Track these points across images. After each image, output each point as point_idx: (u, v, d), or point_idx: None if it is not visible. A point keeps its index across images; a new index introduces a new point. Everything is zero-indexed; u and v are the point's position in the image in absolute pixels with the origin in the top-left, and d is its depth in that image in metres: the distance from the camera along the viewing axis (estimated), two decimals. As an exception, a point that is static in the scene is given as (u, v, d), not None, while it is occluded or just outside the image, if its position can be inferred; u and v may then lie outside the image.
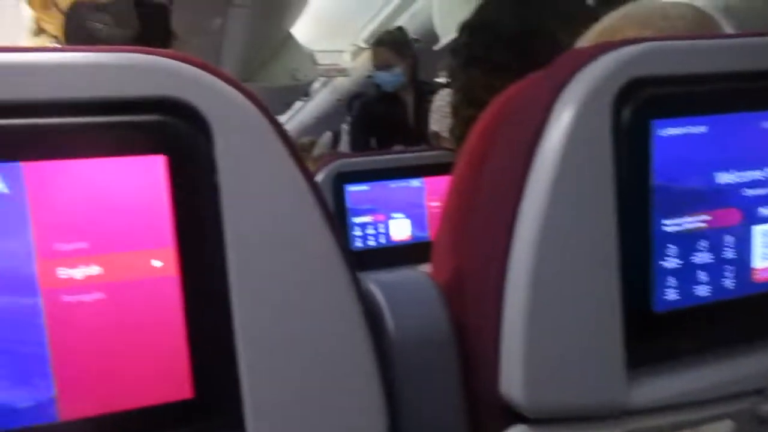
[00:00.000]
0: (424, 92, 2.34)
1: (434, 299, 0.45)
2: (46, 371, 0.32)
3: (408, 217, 1.29)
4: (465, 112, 1.08)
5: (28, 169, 0.31)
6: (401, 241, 1.29)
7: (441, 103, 2.02)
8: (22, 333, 0.32)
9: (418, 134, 2.27)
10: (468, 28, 0.98)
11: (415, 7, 4.26)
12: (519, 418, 0.41)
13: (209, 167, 0.33)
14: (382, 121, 2.40)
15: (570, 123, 0.39)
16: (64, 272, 0.32)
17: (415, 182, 1.29)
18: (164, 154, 0.32)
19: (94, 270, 0.32)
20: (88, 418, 0.33)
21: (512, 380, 0.40)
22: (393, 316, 0.43)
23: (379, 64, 2.34)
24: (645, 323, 0.41)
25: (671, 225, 0.41)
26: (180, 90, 0.33)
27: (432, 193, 1.30)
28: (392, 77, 2.33)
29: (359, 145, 2.46)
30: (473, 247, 0.46)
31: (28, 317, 0.32)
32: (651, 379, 0.42)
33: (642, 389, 0.42)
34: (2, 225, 0.31)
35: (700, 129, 0.41)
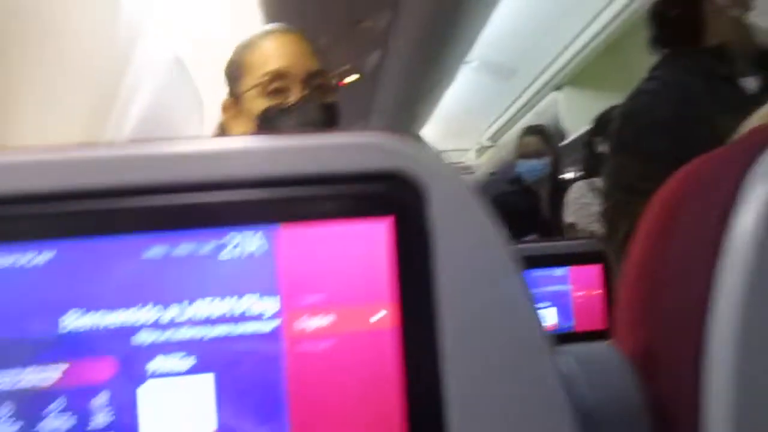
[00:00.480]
0: (559, 186, 2.36)
1: (624, 372, 0.45)
2: (284, 415, 0.36)
3: (554, 305, 1.27)
4: (616, 196, 1.08)
5: (282, 231, 0.36)
6: (547, 330, 1.26)
7: (577, 195, 2.02)
8: (268, 375, 0.36)
9: (553, 226, 2.26)
10: (621, 116, 1.00)
11: (539, 107, 4.36)
12: None
13: (426, 229, 0.37)
14: (516, 213, 2.42)
15: (765, 199, 0.39)
16: (302, 323, 0.36)
17: (558, 271, 1.28)
18: (391, 215, 0.37)
19: (327, 320, 0.37)
20: (316, 461, 0.36)
21: None
22: (586, 388, 0.43)
23: (528, 153, 2.40)
24: None
25: None
26: (402, 162, 0.38)
27: (576, 282, 1.27)
28: (539, 166, 2.37)
29: None
30: (662, 320, 0.46)
31: (274, 361, 0.36)
32: None
33: None
34: (257, 279, 0.36)
35: None
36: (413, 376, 0.37)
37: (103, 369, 0.35)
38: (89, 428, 0.34)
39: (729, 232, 0.40)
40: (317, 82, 1.13)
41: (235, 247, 0.36)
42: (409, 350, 0.37)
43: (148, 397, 0.35)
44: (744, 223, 0.39)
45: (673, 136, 0.95)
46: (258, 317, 0.36)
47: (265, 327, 0.36)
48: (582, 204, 2.00)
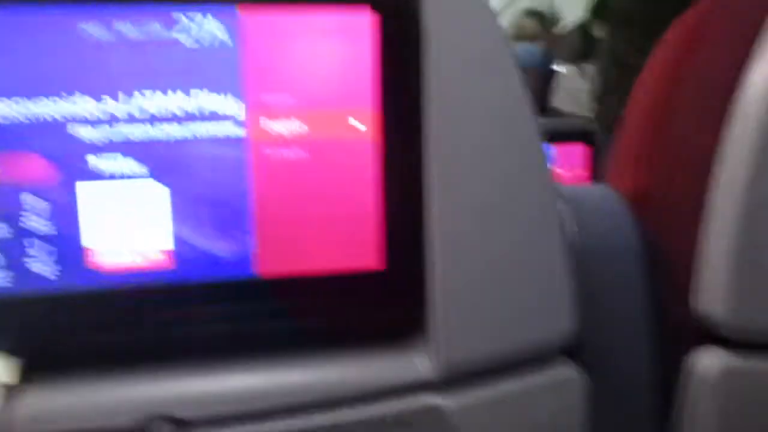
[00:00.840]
0: (548, 74, 2.28)
1: (620, 212, 0.42)
2: (248, 226, 0.32)
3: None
4: (610, 72, 1.03)
5: (244, 14, 0.31)
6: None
7: (566, 81, 1.95)
8: (231, 184, 0.32)
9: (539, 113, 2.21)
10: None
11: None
12: (712, 339, 0.37)
13: (416, 28, 0.32)
14: None
15: None
16: (270, 125, 0.32)
17: (543, 149, 1.24)
18: (374, 9, 0.31)
19: (297, 125, 0.32)
20: (284, 277, 0.33)
21: (713, 297, 0.36)
22: (579, 228, 0.40)
23: (525, 36, 2.27)
24: None
25: None
26: None
27: (562, 160, 1.24)
28: (534, 50, 2.25)
29: None
30: (668, 161, 0.42)
31: (237, 168, 0.32)
32: None
33: None
34: (217, 71, 0.31)
35: None
36: (393, 195, 0.33)
37: (31, 166, 0.30)
38: (24, 228, 0.30)
39: (745, 80, 0.36)
40: None
41: (191, 32, 0.31)
42: (388, 165, 0.32)
43: (88, 201, 0.31)
44: (761, 70, 0.35)
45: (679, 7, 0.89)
46: (219, 117, 0.31)
47: (228, 129, 0.31)
48: (569, 91, 1.93)
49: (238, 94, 0.31)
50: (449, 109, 0.33)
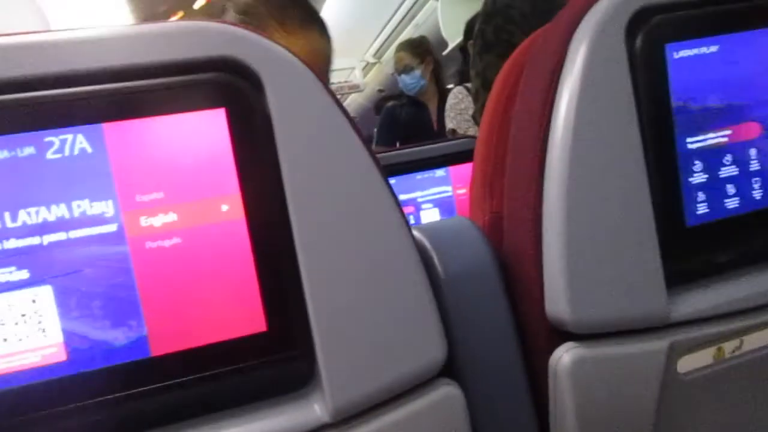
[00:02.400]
0: (443, 95, 2.39)
1: (476, 238, 0.48)
2: (138, 313, 0.36)
3: (436, 206, 1.32)
4: (483, 97, 1.11)
5: (108, 129, 0.35)
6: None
7: (454, 101, 2.06)
8: (115, 278, 0.35)
9: (441, 136, 2.31)
10: (482, 15, 1.02)
11: (418, 18, 4.33)
12: (567, 337, 0.44)
13: (264, 117, 0.37)
14: (407, 125, 2.44)
15: (587, 54, 0.41)
16: (145, 221, 0.35)
17: (440, 172, 1.32)
18: (223, 106, 0.36)
19: (171, 217, 0.36)
20: (177, 352, 0.36)
21: (557, 300, 0.43)
22: (440, 258, 0.46)
23: (400, 68, 2.39)
24: (680, 237, 0.44)
25: (694, 142, 0.44)
26: (232, 49, 0.36)
27: (458, 180, 1.32)
28: (412, 80, 2.37)
29: (386, 145, 2.51)
30: (507, 186, 0.49)
31: (119, 264, 0.35)
32: (690, 292, 0.45)
33: (682, 301, 0.44)
34: (90, 181, 0.35)
35: (713, 48, 0.43)
36: (265, 263, 0.37)
37: None
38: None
39: (558, 90, 0.43)
40: None
41: (59, 149, 0.34)
42: (257, 238, 0.37)
43: (-15, 315, 0.33)
44: (570, 79, 0.42)
45: (529, 29, 0.98)
46: (95, 221, 0.35)
47: (104, 230, 0.35)
48: (460, 110, 2.04)
49: (113, 197, 0.35)
50: (302, 181, 0.37)
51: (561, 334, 0.44)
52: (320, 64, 0.96)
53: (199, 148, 0.36)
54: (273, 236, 0.37)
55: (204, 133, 0.36)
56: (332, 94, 0.39)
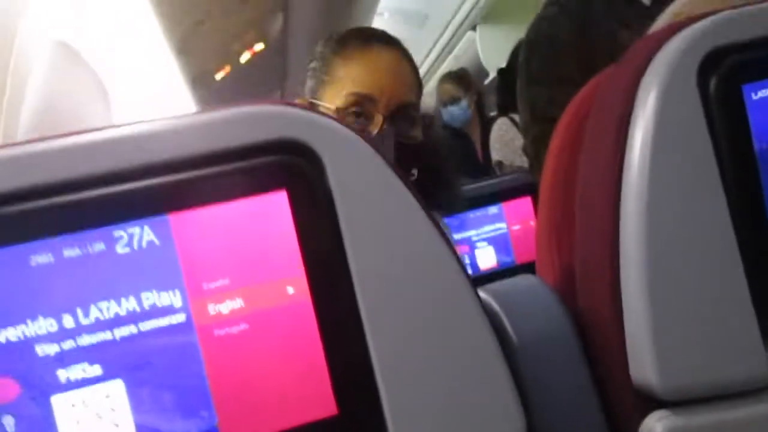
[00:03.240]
0: (487, 126, 2.38)
1: (548, 299, 0.46)
2: (208, 403, 0.35)
3: (491, 244, 1.29)
4: (533, 129, 1.09)
5: (174, 220, 0.35)
6: (488, 269, 1.29)
7: (500, 132, 2.04)
8: (185, 369, 0.35)
9: (486, 167, 2.29)
10: (526, 44, 1.00)
11: (458, 49, 4.34)
12: (656, 404, 0.41)
13: (325, 196, 0.36)
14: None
15: (658, 98, 0.39)
16: (213, 308, 0.35)
17: (493, 209, 1.30)
18: (285, 188, 0.35)
19: (238, 303, 0.35)
20: (249, 442, 0.35)
21: (643, 365, 0.40)
22: (511, 323, 0.44)
23: (446, 100, 2.39)
24: None
25: (782, 188, 0.41)
26: (291, 130, 0.36)
27: (512, 216, 1.30)
28: (459, 111, 2.36)
29: None
30: (578, 240, 0.47)
31: (189, 353, 0.35)
32: None
33: (782, 360, 0.40)
34: (158, 272, 0.34)
35: (792, 87, 0.40)
36: (333, 345, 0.36)
37: (2, 390, 0.33)
38: None
39: (628, 142, 0.41)
40: (403, 114, 0.97)
41: (127, 243, 0.34)
42: (324, 319, 0.36)
43: (62, 412, 0.33)
44: (640, 129, 0.40)
45: (577, 58, 0.96)
46: (164, 311, 0.35)
47: (173, 320, 0.35)
48: (505, 141, 2.02)
49: (181, 287, 0.35)
50: (367, 258, 0.36)
51: (649, 401, 0.41)
52: (392, 82, 0.94)
53: (262, 231, 0.36)
54: (340, 316, 0.36)
55: (266, 216, 0.36)
56: (391, 164, 0.38)
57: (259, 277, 0.35)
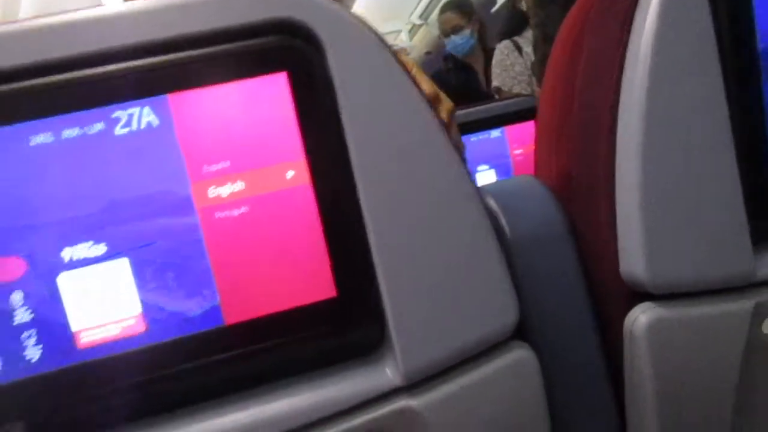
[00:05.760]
0: (490, 56, 2.33)
1: (544, 198, 0.46)
2: (210, 282, 0.36)
3: (493, 168, 1.29)
4: (544, 48, 1.07)
5: (173, 100, 0.35)
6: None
7: (500, 56, 1.99)
8: (187, 250, 0.36)
9: (491, 98, 2.26)
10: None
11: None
12: (643, 297, 0.42)
13: (326, 80, 0.36)
14: (457, 90, 2.40)
15: None
16: (213, 191, 0.36)
17: (495, 133, 1.29)
18: (285, 70, 0.35)
19: (239, 186, 0.36)
20: (250, 320, 0.37)
21: (633, 258, 0.41)
22: (507, 218, 0.45)
23: (449, 29, 2.34)
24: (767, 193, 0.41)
25: (784, 86, 0.40)
26: (292, 10, 0.35)
27: (514, 141, 1.29)
28: (462, 40, 2.31)
29: None
30: (577, 142, 0.47)
31: (190, 234, 0.35)
32: None
33: (769, 259, 0.41)
34: (159, 154, 0.35)
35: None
36: (333, 228, 0.37)
37: (12, 267, 0.34)
38: (15, 324, 0.34)
39: (631, 35, 0.40)
40: None
41: (126, 123, 0.34)
42: (324, 203, 0.37)
43: (68, 288, 0.35)
44: (643, 23, 0.39)
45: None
46: (165, 193, 0.35)
47: (174, 201, 0.35)
48: (505, 66, 1.98)
49: (182, 169, 0.35)
50: (368, 144, 0.37)
51: (637, 295, 0.42)
52: None
53: (262, 114, 0.36)
54: (340, 201, 0.37)
55: (267, 99, 0.36)
56: (394, 53, 0.38)
57: (259, 161, 0.36)
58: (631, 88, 0.40)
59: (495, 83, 1.96)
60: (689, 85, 0.39)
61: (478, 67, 2.44)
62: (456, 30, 2.31)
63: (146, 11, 0.34)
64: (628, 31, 0.40)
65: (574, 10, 0.51)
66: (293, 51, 0.36)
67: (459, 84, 2.43)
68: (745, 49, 0.40)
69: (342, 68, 0.36)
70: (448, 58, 2.50)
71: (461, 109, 1.38)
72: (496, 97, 1.95)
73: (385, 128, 0.37)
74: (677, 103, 0.39)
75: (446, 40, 2.38)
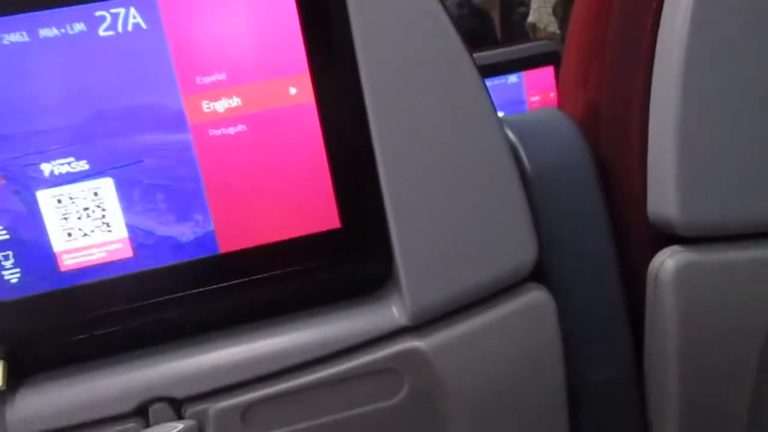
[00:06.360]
0: (512, 3, 2.25)
1: (567, 129, 0.43)
2: (204, 206, 0.33)
3: (508, 113, 1.24)
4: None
5: (163, 1, 0.31)
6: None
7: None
8: (178, 169, 0.32)
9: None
10: None
11: None
12: (671, 241, 0.39)
13: None
14: (472, 37, 2.32)
15: None
16: (207, 106, 0.32)
17: (512, 78, 1.24)
18: None
19: (235, 102, 0.32)
20: (246, 249, 0.34)
21: (663, 199, 0.37)
22: (527, 151, 0.41)
23: None
24: None
25: None
26: None
27: (532, 87, 1.24)
28: None
29: None
30: (608, 71, 0.43)
31: (182, 152, 0.32)
32: None
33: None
34: (147, 61, 0.31)
35: None
36: (338, 153, 0.34)
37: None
38: None
39: None
40: None
41: (111, 25, 0.31)
42: (329, 125, 0.33)
43: (48, 206, 0.32)
44: None
45: None
46: (153, 106, 0.32)
47: (164, 115, 0.32)
48: (543, 1, 1.90)
49: (172, 79, 0.32)
50: (379, 58, 0.33)
51: (664, 238, 0.39)
52: None
53: (263, 22, 0.32)
54: (346, 122, 0.33)
55: (268, 5, 0.32)
56: None
57: (258, 75, 0.32)
58: (673, 16, 0.35)
59: (531, 19, 1.87)
60: (733, 18, 0.35)
61: (495, 13, 2.36)
62: None
63: None
64: None
65: None
66: None
67: (473, 31, 2.35)
68: None
69: None
70: (463, 3, 2.42)
71: (477, 53, 1.32)
72: (531, 35, 1.87)
73: (400, 41, 0.33)
74: (720, 36, 0.35)
75: None
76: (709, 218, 0.37)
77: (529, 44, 1.27)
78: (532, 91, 1.24)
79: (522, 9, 2.37)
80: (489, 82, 1.26)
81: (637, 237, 0.41)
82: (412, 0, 0.33)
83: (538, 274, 0.39)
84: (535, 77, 1.24)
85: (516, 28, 2.27)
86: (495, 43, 2.34)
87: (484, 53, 1.25)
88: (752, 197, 0.37)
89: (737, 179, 0.37)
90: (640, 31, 0.39)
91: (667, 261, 0.38)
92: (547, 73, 1.25)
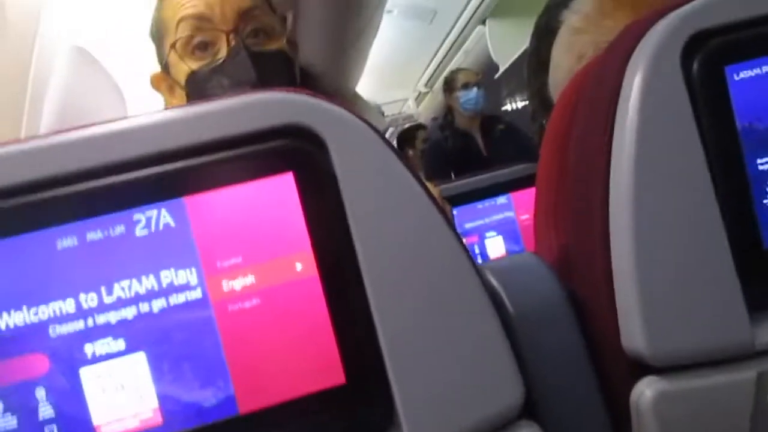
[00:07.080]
0: (491, 123, 2.43)
1: (545, 275, 0.48)
2: (225, 372, 0.38)
3: (500, 234, 1.31)
4: (541, 118, 1.10)
5: (189, 202, 0.37)
6: (498, 259, 1.30)
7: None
8: (202, 342, 0.37)
9: (491, 160, 2.33)
10: (535, 33, 1.01)
11: (467, 44, 4.36)
12: (647, 371, 0.43)
13: (330, 177, 0.39)
14: (457, 156, 2.47)
15: (643, 82, 0.41)
16: (227, 285, 0.38)
17: (501, 199, 1.32)
18: (291, 170, 0.38)
19: (250, 279, 0.38)
20: (263, 409, 0.38)
21: (633, 333, 0.42)
22: (508, 296, 0.46)
23: (459, 85, 2.45)
24: (758, 261, 0.42)
25: (765, 163, 0.42)
26: (296, 116, 0.39)
27: (520, 206, 1.32)
28: (477, 95, 2.42)
29: (440, 178, 2.56)
30: (572, 220, 0.49)
31: (205, 327, 0.37)
32: None
33: (768, 328, 0.42)
34: (175, 252, 0.37)
35: (774, 66, 0.42)
36: (341, 317, 0.39)
37: (34, 365, 0.36)
38: (39, 420, 0.35)
39: (616, 122, 0.43)
40: (254, 25, 0.88)
41: (146, 225, 0.37)
42: (331, 293, 0.38)
43: (90, 383, 0.36)
44: (627, 110, 0.42)
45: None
46: (181, 288, 0.37)
47: (190, 296, 0.37)
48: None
49: (197, 266, 0.37)
50: (370, 234, 0.39)
51: (641, 368, 0.43)
52: None
53: (271, 211, 0.38)
54: (346, 290, 0.39)
55: (275, 197, 0.38)
56: (392, 147, 0.41)
57: (269, 254, 0.38)
58: (619, 168, 0.42)
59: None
60: (674, 164, 0.42)
61: (475, 132, 2.52)
62: (468, 86, 2.42)
63: (163, 122, 0.38)
64: (614, 117, 0.43)
65: (567, 88, 0.54)
66: (298, 152, 0.38)
67: (457, 150, 2.50)
68: (725, 127, 0.42)
69: (344, 165, 0.39)
70: (445, 126, 2.59)
71: (466, 177, 1.42)
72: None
73: (388, 221, 0.39)
74: (664, 179, 0.41)
75: (460, 94, 2.48)
76: (676, 348, 0.42)
77: (514, 168, 1.36)
78: (521, 210, 1.32)
79: (501, 126, 2.55)
80: (480, 204, 1.33)
81: (618, 370, 0.45)
82: (397, 187, 0.40)
83: (529, 411, 0.42)
84: (523, 198, 1.32)
85: (499, 144, 2.42)
86: (480, 158, 2.47)
87: (474, 178, 1.34)
88: (712, 325, 0.42)
89: (697, 309, 0.42)
90: (594, 177, 0.45)
91: (645, 391, 0.42)
92: (533, 192, 1.33)
